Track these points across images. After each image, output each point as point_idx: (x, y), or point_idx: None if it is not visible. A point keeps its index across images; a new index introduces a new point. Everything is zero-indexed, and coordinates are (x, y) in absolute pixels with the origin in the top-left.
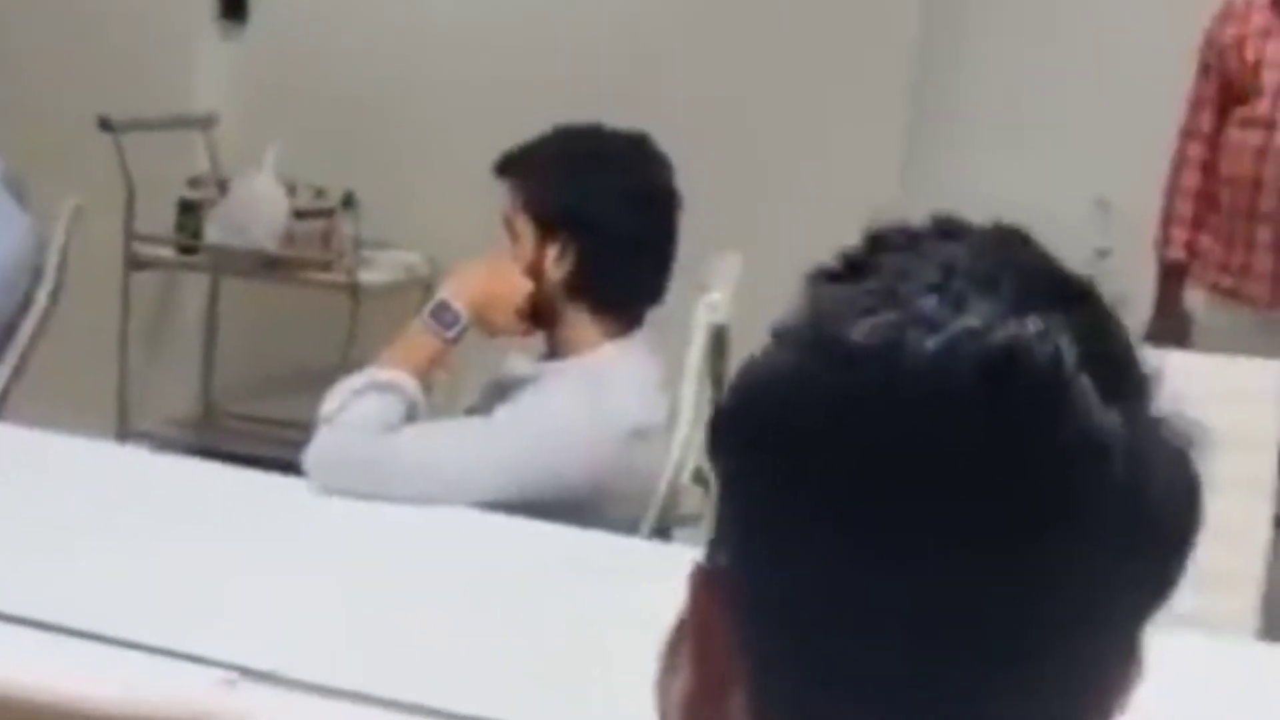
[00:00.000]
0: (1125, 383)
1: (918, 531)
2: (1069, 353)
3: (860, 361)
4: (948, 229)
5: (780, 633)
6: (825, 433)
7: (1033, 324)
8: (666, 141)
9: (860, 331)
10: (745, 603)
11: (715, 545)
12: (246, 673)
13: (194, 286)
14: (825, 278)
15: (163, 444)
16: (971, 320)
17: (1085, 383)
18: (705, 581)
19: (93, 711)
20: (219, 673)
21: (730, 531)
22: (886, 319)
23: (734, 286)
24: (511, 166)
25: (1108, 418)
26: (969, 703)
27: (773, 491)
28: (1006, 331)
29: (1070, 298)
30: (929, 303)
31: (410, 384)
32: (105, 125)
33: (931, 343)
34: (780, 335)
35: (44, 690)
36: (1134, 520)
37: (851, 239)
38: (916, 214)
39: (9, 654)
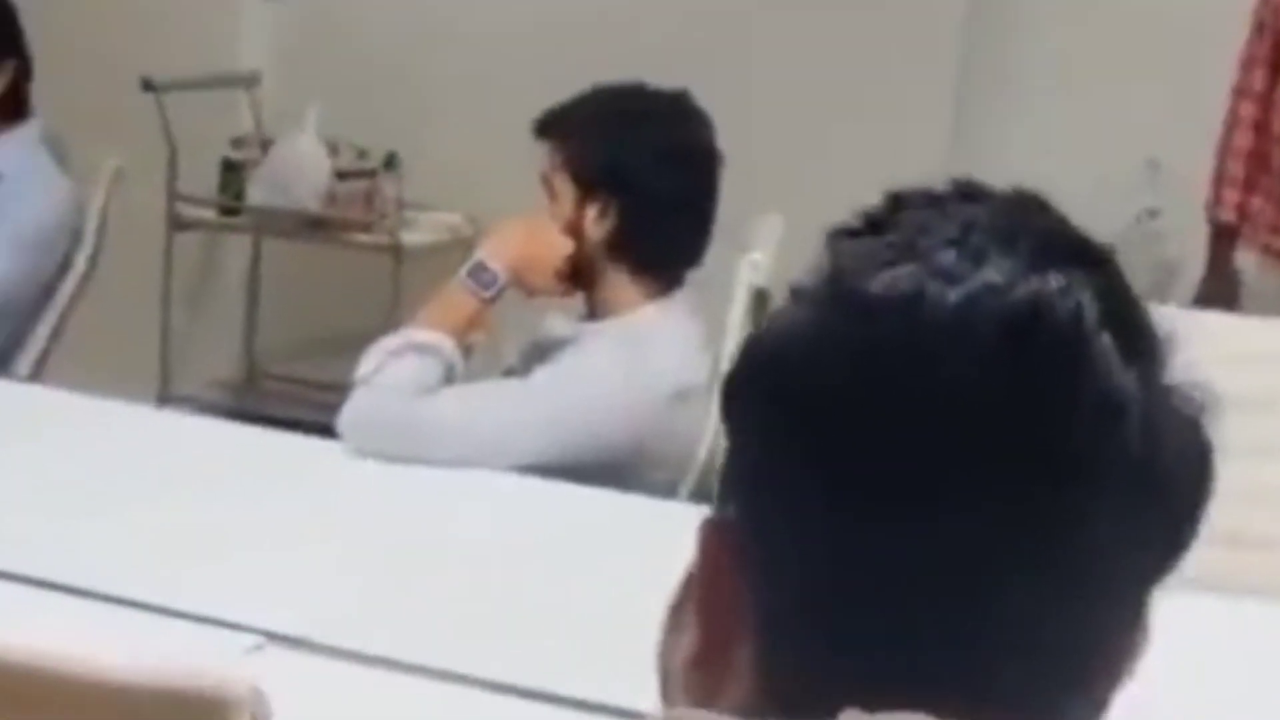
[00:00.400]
0: (1141, 345)
1: (933, 484)
2: (1090, 310)
3: (879, 313)
4: (968, 191)
5: (788, 585)
6: (843, 384)
7: (1054, 280)
8: (708, 99)
9: (880, 284)
10: (754, 555)
11: (725, 497)
12: (276, 638)
13: (236, 248)
14: (845, 234)
15: (204, 407)
16: (992, 275)
17: (1106, 341)
18: (715, 533)
19: (117, 677)
20: (248, 638)
21: (741, 484)
22: (906, 271)
23: (776, 248)
24: (551, 126)
25: (1126, 378)
26: (975, 660)
27: (787, 443)
28: (1029, 287)
29: (1088, 259)
30: (948, 256)
31: (448, 345)
32: (148, 85)
33: (952, 295)
34: (798, 292)
35: (71, 655)
36: (1146, 482)
37: None
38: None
39: (39, 619)
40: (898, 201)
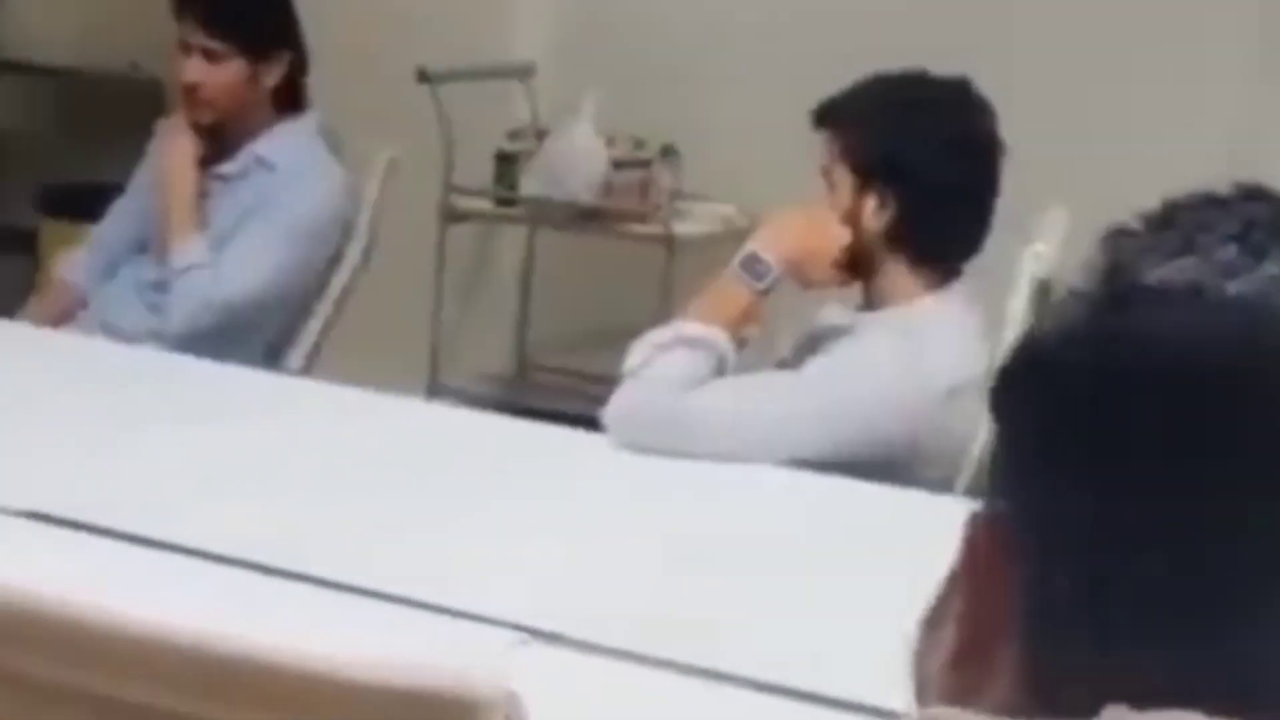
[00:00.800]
0: None
1: (1218, 481)
2: None
3: (1157, 303)
4: (1252, 192)
5: (1058, 581)
6: (1121, 377)
7: None
8: (991, 88)
9: (1157, 276)
10: (1024, 550)
11: (995, 492)
12: (539, 634)
13: (509, 239)
14: (1123, 232)
15: (473, 399)
16: (1274, 269)
17: None
18: (985, 527)
19: (362, 675)
20: (511, 634)
21: (1013, 478)
22: (1184, 264)
23: (1060, 241)
24: (830, 116)
25: None
26: (1245, 662)
27: (1062, 439)
28: None
29: None
30: (1228, 251)
31: (719, 338)
32: (423, 77)
33: (1231, 288)
34: (1074, 288)
35: (337, 655)
36: None
37: None
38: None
39: (303, 616)
40: (1176, 203)
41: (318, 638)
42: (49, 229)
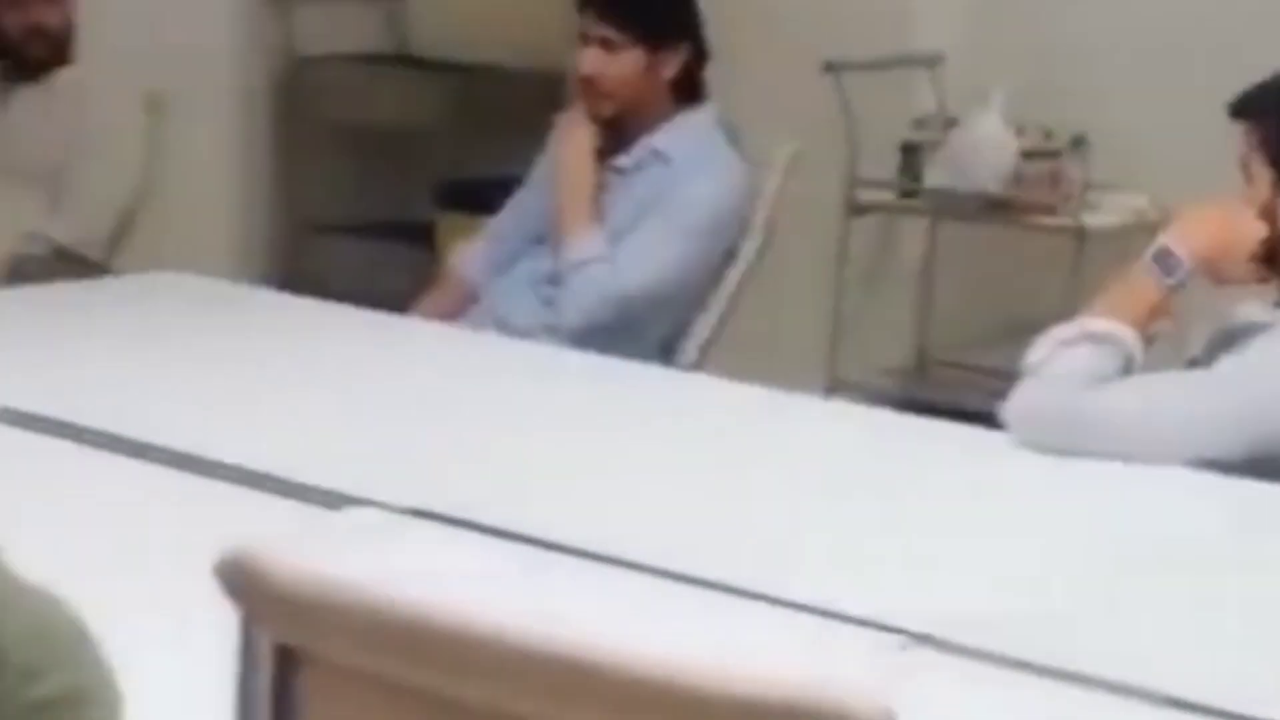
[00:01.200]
0: None
1: None
2: None
3: None
4: None
5: None
6: None
7: None
8: None
9: None
10: None
11: None
12: (920, 639)
13: (912, 231)
14: None
15: (872, 395)
16: None
17: None
18: None
19: (726, 686)
20: (892, 639)
21: None
22: None
23: None
24: (1248, 107)
25: None
26: None
27: None
28: None
29: None
30: None
31: (1127, 335)
32: (829, 67)
33: None
34: None
35: (695, 660)
36: None
37: None
38: None
39: (689, 619)
40: None
41: (680, 640)
42: (447, 222)
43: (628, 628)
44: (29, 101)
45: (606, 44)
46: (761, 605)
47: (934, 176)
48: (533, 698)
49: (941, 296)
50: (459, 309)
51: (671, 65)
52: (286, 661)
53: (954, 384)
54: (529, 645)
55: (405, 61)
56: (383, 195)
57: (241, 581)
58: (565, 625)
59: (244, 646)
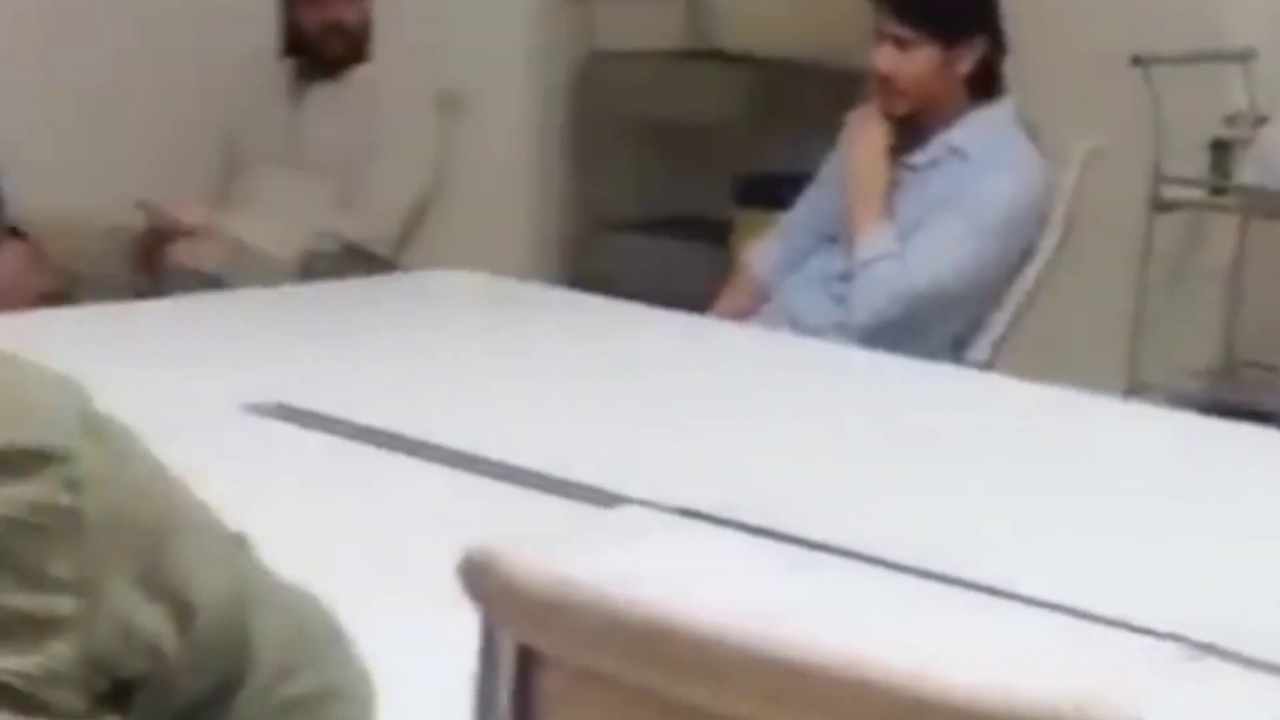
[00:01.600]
0: None
1: None
2: None
3: None
4: None
5: None
6: None
7: None
8: None
9: None
10: None
11: None
12: (1197, 646)
13: (1221, 230)
14: None
15: (1174, 397)
16: None
17: None
18: None
19: (976, 693)
20: (1175, 648)
21: None
22: None
23: None
24: None
25: None
26: None
27: None
28: None
29: None
30: None
31: None
32: (1137, 61)
33: None
34: None
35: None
36: None
37: None
38: None
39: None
40: None
41: (946, 647)
42: (743, 219)
43: (886, 630)
44: (323, 98)
45: (900, 42)
46: (1041, 611)
47: (1245, 174)
48: (770, 702)
49: (1251, 297)
50: (753, 307)
51: (966, 61)
52: (527, 662)
53: (1262, 387)
54: (764, 648)
55: (702, 56)
56: (678, 191)
57: (482, 581)
58: (797, 627)
59: (485, 646)
